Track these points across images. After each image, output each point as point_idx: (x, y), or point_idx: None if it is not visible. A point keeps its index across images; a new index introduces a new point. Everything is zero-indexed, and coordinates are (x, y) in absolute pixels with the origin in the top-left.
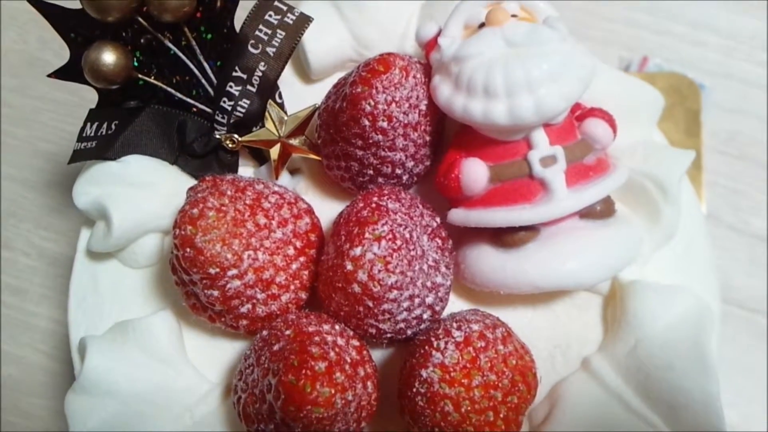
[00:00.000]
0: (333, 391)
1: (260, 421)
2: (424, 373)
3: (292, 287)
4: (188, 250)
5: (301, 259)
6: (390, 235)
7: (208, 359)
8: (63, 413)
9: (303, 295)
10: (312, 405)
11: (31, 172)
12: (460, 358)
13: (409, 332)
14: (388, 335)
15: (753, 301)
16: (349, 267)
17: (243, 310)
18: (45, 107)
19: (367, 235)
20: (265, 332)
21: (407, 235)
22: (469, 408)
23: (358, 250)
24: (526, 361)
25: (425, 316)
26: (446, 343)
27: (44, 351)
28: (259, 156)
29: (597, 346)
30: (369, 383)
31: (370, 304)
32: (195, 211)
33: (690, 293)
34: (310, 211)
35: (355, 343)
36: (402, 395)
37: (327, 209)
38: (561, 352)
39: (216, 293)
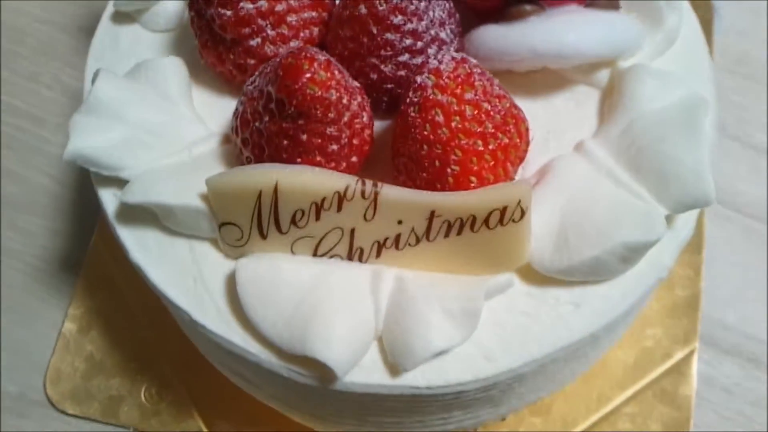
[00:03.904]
0: (329, 76)
1: (255, 119)
2: (419, 79)
3: (302, 35)
4: None
5: (313, 13)
6: None
7: (213, 113)
8: (60, 233)
9: None
10: (308, 81)
11: (62, 16)
12: (455, 68)
13: None
14: (389, 85)
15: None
16: None
17: (252, 43)
18: None
19: None
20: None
21: None
22: (459, 125)
23: None
24: (520, 113)
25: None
26: (443, 56)
27: (51, 174)
28: None
29: (591, 135)
30: (364, 114)
31: (374, 30)
32: None
33: (689, 84)
34: None
35: (356, 83)
36: (397, 119)
37: None
38: (555, 137)
39: (229, 13)
